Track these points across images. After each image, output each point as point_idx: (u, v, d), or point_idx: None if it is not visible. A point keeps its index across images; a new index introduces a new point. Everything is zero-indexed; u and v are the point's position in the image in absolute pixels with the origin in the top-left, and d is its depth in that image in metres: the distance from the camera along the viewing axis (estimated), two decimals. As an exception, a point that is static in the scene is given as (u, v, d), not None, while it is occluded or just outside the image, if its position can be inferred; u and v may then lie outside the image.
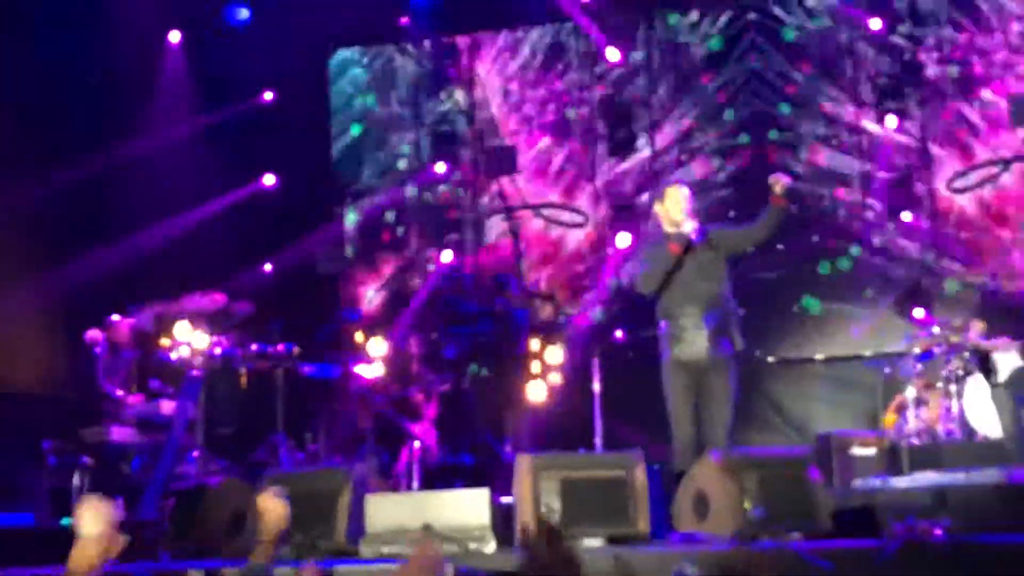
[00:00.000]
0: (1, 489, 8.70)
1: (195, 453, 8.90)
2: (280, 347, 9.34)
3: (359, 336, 10.21)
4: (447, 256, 12.16)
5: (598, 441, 8.68)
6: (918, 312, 9.53)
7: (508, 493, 6.45)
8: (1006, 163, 10.94)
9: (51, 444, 8.89)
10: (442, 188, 12.44)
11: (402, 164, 12.62)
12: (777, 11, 11.60)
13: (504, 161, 12.21)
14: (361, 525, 6.33)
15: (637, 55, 11.95)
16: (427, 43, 12.53)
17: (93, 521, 3.74)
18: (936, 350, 8.97)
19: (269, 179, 12.42)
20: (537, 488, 6.10)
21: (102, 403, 9.21)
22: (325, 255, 12.56)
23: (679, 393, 7.00)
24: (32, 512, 8.35)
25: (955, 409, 8.80)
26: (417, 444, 9.29)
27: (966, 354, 8.77)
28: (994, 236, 10.87)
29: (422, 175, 12.48)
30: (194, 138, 11.80)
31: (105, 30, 11.21)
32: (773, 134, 11.51)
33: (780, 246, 10.70)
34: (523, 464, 6.22)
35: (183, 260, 11.29)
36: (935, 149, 11.12)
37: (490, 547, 6.05)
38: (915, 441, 8.56)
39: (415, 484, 9.03)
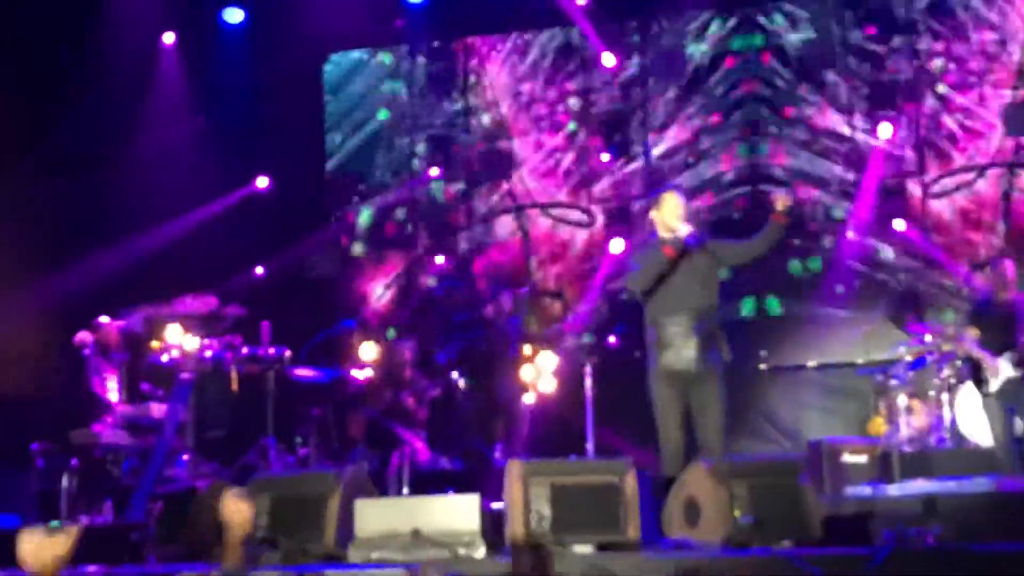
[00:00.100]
0: (-12, 491, 8.68)
1: (185, 456, 8.87)
2: (271, 350, 9.31)
3: (359, 343, 10.20)
4: (440, 259, 12.19)
5: (589, 447, 8.65)
6: (912, 321, 9.56)
7: (498, 499, 6.43)
8: (982, 169, 11.08)
9: (39, 446, 8.86)
10: (451, 187, 12.49)
11: (415, 163, 12.69)
12: (761, 19, 11.78)
13: (500, 166, 12.34)
14: (350, 529, 6.30)
15: (633, 61, 12.05)
16: (436, 44, 12.60)
17: (34, 557, 3.78)
18: (928, 358, 8.99)
19: (262, 182, 12.40)
20: (528, 494, 6.07)
21: (91, 405, 9.17)
22: (318, 259, 12.56)
23: (666, 401, 6.96)
24: (19, 514, 8.30)
25: (946, 417, 8.81)
26: (408, 449, 9.27)
27: (958, 363, 8.77)
28: (967, 240, 11.04)
29: (426, 175, 12.58)
30: (188, 141, 11.78)
31: (101, 34, 11.20)
32: (761, 138, 11.70)
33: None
34: (514, 469, 6.19)
35: (176, 263, 11.27)
36: (912, 155, 11.28)
37: (480, 553, 6.02)
38: (906, 449, 8.56)
39: (405, 489, 9.01)
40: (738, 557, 5.61)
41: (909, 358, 8.99)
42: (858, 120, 11.42)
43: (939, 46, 11.29)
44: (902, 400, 8.85)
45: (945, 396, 8.86)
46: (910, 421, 8.84)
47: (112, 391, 9.32)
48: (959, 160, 11.15)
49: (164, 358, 8.87)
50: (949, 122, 11.21)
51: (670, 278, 6.99)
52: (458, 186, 12.51)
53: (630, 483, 6.15)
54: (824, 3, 11.61)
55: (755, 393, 10.99)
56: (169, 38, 12.17)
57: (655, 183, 11.57)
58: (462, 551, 6.00)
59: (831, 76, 11.52)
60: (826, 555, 5.50)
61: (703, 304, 6.97)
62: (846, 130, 11.43)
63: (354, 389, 9.82)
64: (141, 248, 11.18)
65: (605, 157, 12.04)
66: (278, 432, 9.28)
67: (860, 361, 10.59)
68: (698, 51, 11.90)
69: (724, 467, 6.21)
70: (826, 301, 11.17)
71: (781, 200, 7.02)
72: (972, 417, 8.86)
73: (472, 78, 12.55)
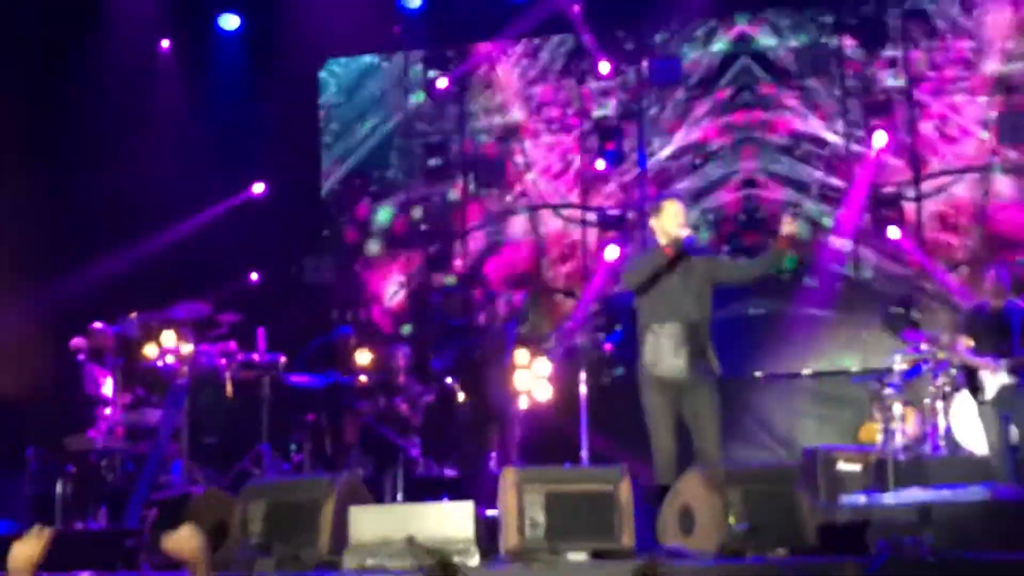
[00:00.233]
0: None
1: (179, 462, 8.86)
2: (266, 356, 9.31)
3: (355, 348, 10.21)
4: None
5: (584, 455, 8.66)
6: (908, 327, 9.56)
7: (493, 506, 6.43)
8: (959, 173, 11.29)
9: (34, 452, 8.84)
10: (464, 187, 12.62)
11: (428, 164, 12.76)
12: (746, 27, 11.97)
13: (492, 173, 12.46)
14: (345, 536, 6.29)
15: (632, 67, 12.19)
16: (441, 48, 12.69)
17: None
18: (923, 366, 8.99)
19: (258, 187, 12.41)
20: (522, 501, 6.07)
21: (86, 411, 9.16)
22: (314, 264, 12.57)
23: (658, 408, 6.90)
24: (14, 520, 8.29)
25: (941, 426, 8.81)
26: (402, 456, 9.27)
27: (953, 371, 8.77)
28: (946, 244, 11.26)
29: (436, 176, 12.70)
30: (185, 148, 11.78)
31: (98, 40, 11.21)
32: (751, 142, 11.89)
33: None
34: (508, 477, 6.19)
35: (172, 269, 11.26)
36: (892, 161, 11.47)
37: (474, 560, 6.01)
38: (901, 457, 8.56)
39: (399, 496, 9.01)
40: (733, 565, 5.61)
41: (904, 366, 8.98)
42: (840, 126, 11.64)
43: (917, 54, 11.51)
44: (897, 408, 8.84)
45: (940, 404, 8.86)
46: (905, 429, 8.84)
47: (107, 397, 9.31)
48: (936, 165, 11.39)
49: (159, 364, 8.86)
50: (926, 128, 11.43)
51: (665, 283, 6.94)
52: (471, 187, 12.60)
53: (625, 491, 6.15)
54: (805, 11, 11.82)
55: (749, 400, 11.01)
56: (165, 45, 12.18)
57: (660, 185, 11.80)
58: (456, 558, 5.99)
59: (812, 83, 11.74)
60: (821, 563, 5.50)
61: (695, 315, 6.92)
62: (828, 136, 11.65)
63: (348, 395, 9.81)
64: (137, 253, 11.17)
65: (600, 164, 12.12)
66: (273, 438, 9.27)
67: (855, 369, 10.61)
68: (691, 57, 12.05)
69: (719, 475, 6.21)
70: (807, 302, 11.26)
71: (787, 225, 6.99)
72: (967, 425, 8.86)
73: (482, 81, 12.65)
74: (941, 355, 8.80)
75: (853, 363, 10.89)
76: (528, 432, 10.04)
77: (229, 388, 9.25)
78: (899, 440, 8.75)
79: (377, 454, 9.54)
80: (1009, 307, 8.44)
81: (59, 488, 8.58)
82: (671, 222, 7.03)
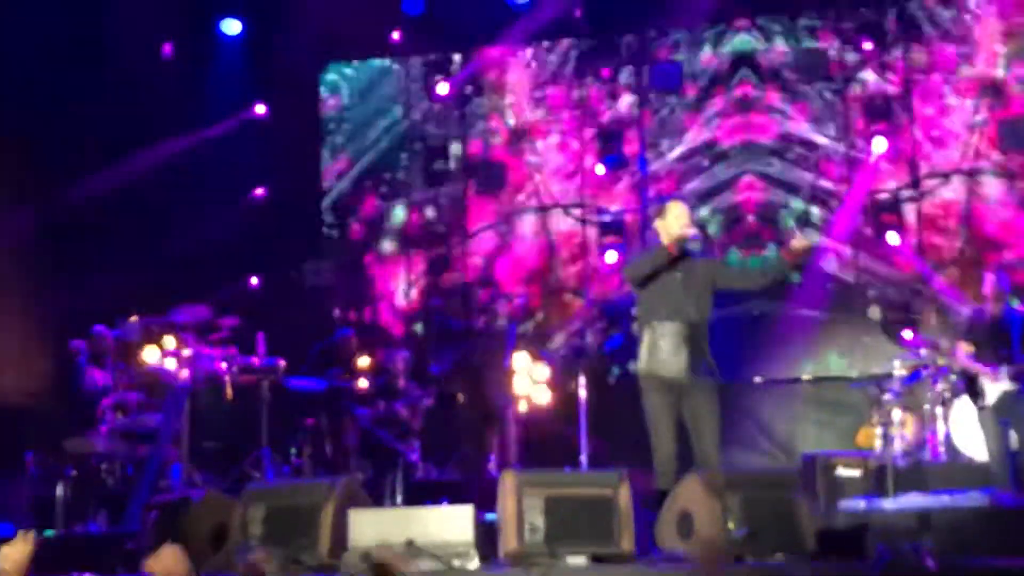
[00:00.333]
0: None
1: (179, 465, 8.86)
2: (266, 360, 9.32)
3: (355, 351, 10.22)
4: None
5: (583, 459, 8.66)
6: (907, 334, 9.56)
7: (492, 510, 6.43)
8: (946, 176, 11.40)
9: (34, 455, 8.85)
10: (474, 187, 12.70)
11: (438, 165, 12.81)
12: (739, 31, 12.08)
13: (493, 178, 12.52)
14: (344, 540, 6.30)
15: (632, 70, 12.26)
16: (445, 51, 12.74)
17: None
18: (923, 372, 8.99)
19: (258, 191, 12.42)
20: (521, 505, 6.08)
21: (86, 414, 9.17)
22: (315, 267, 12.58)
23: (659, 409, 6.88)
24: (12, 523, 8.30)
25: (941, 431, 8.81)
26: (401, 459, 9.28)
27: (953, 376, 8.77)
28: (934, 246, 11.37)
29: (447, 175, 12.78)
30: (186, 152, 11.79)
31: (99, 45, 11.22)
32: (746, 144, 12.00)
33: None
34: (508, 481, 6.20)
35: (173, 273, 11.25)
36: (883, 164, 11.57)
37: (473, 564, 6.02)
38: (900, 463, 8.56)
39: (399, 499, 9.01)
40: (731, 570, 5.62)
41: (904, 372, 8.98)
42: (830, 130, 11.73)
43: (906, 59, 11.61)
44: (896, 414, 8.84)
45: (940, 410, 8.86)
46: (904, 435, 8.84)
47: (107, 400, 9.31)
48: (924, 168, 11.52)
49: (160, 367, 8.87)
50: (915, 132, 11.54)
51: (666, 281, 6.92)
52: (481, 186, 12.66)
53: (624, 495, 6.15)
54: (795, 16, 11.90)
55: (749, 405, 11.01)
56: (168, 50, 12.20)
57: (659, 191, 11.85)
58: (456, 562, 6.00)
59: (803, 87, 11.85)
60: (820, 569, 5.51)
61: (695, 316, 6.92)
62: (818, 139, 11.74)
63: (348, 399, 9.82)
64: (138, 258, 11.17)
65: (600, 169, 12.16)
66: (272, 442, 9.28)
67: (854, 374, 10.61)
68: (690, 61, 12.13)
69: (718, 480, 6.21)
70: (799, 302, 11.30)
71: (797, 240, 6.99)
72: (967, 431, 8.86)
73: (491, 83, 12.72)
74: (941, 361, 8.80)
75: (853, 368, 10.90)
76: (527, 436, 10.04)
77: (229, 392, 9.25)
78: (899, 446, 8.74)
79: (377, 458, 9.55)
80: (1008, 312, 8.44)
81: (59, 491, 8.59)
82: (675, 223, 7.02)
